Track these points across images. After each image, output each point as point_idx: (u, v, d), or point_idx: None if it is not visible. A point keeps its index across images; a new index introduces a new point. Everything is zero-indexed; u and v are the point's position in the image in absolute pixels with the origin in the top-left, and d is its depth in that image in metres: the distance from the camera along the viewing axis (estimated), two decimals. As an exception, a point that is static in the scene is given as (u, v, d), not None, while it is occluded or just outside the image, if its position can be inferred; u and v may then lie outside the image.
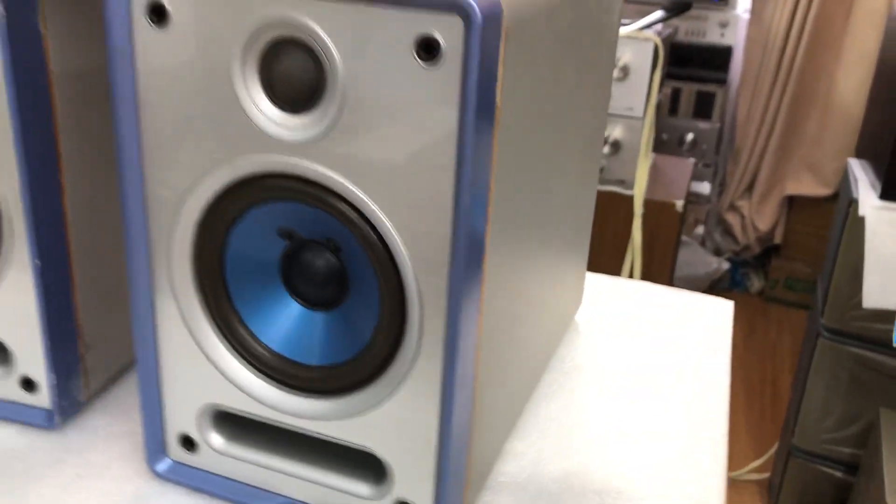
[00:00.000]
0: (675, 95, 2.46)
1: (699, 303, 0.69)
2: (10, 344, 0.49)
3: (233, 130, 0.38)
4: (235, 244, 0.41)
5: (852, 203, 1.53)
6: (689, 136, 2.46)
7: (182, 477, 0.46)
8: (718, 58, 2.53)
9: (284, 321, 0.42)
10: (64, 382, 0.49)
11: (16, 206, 0.45)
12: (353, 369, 0.41)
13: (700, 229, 2.73)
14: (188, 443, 0.46)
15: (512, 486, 0.47)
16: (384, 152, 0.36)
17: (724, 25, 2.56)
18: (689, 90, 2.46)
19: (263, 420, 0.43)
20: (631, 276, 1.72)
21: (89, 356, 0.51)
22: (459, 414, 0.39)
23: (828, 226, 2.38)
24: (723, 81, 2.55)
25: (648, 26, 1.95)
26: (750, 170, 2.58)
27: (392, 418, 0.40)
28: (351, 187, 0.37)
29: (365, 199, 0.37)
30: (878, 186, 1.50)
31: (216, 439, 0.45)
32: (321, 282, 0.41)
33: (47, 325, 0.47)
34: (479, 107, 0.34)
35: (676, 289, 0.71)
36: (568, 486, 0.47)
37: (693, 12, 2.43)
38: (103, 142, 0.49)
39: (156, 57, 0.38)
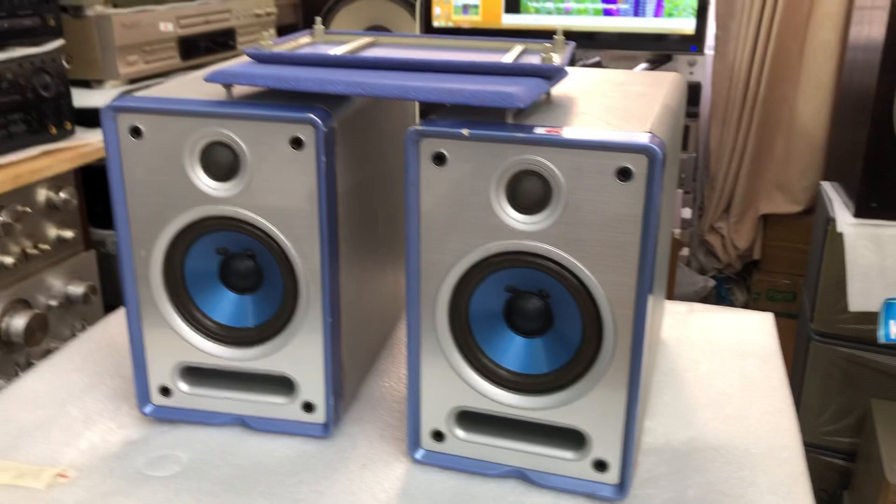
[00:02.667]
0: (657, 133, 2.70)
1: (744, 317, 0.92)
2: (298, 378, 0.70)
3: (487, 226, 0.60)
4: (476, 299, 0.63)
5: (829, 221, 1.78)
6: (672, 168, 2.70)
7: (433, 460, 0.68)
8: (690, 94, 2.80)
9: (511, 347, 0.64)
10: (334, 402, 0.70)
11: (314, 281, 0.66)
12: (564, 373, 0.63)
13: (685, 251, 2.96)
14: (438, 436, 0.67)
15: (653, 450, 0.69)
16: (590, 234, 0.58)
17: (692, 64, 2.81)
18: (669, 127, 2.70)
19: (500, 415, 0.65)
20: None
21: (345, 382, 0.72)
22: (637, 397, 0.61)
23: (801, 240, 2.61)
24: (695, 115, 2.80)
25: (637, 77, 2.20)
26: (726, 193, 2.79)
27: (592, 404, 0.62)
28: (567, 256, 0.59)
29: (577, 262, 0.59)
30: (852, 206, 1.74)
31: (459, 432, 0.67)
32: (534, 318, 0.63)
33: (329, 363, 0.69)
34: (654, 205, 0.56)
35: (724, 307, 0.94)
36: (691, 447, 0.70)
37: (667, 55, 2.67)
38: (361, 233, 0.72)
39: (435, 184, 0.60)
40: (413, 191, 0.61)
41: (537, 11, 2.14)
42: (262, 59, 0.67)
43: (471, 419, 0.67)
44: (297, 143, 0.63)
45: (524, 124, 0.59)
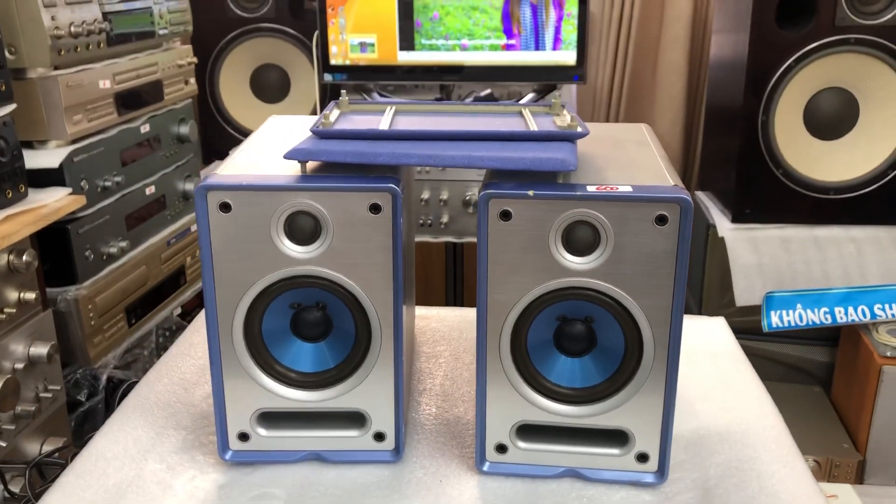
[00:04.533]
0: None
1: (700, 322, 1.08)
2: (369, 412, 0.79)
3: (545, 268, 0.72)
4: (533, 328, 0.75)
5: (710, 227, 2.01)
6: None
7: (498, 470, 0.79)
8: (559, 114, 3.02)
9: (563, 366, 0.77)
10: (401, 430, 0.80)
11: (386, 325, 0.76)
12: (609, 385, 0.76)
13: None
14: (501, 448, 0.78)
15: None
16: (633, 269, 0.72)
17: (558, 88, 3.05)
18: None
19: (557, 424, 0.77)
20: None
21: (408, 407, 0.82)
22: (674, 398, 0.75)
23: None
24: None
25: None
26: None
27: (635, 407, 0.75)
28: (614, 288, 0.72)
29: (622, 292, 0.72)
30: (728, 213, 1.98)
31: (520, 443, 0.78)
32: (581, 340, 0.76)
33: (400, 396, 0.78)
34: (686, 243, 0.70)
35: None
36: (699, 435, 0.84)
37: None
38: (408, 281, 0.82)
39: (501, 236, 0.72)
40: (483, 242, 0.72)
41: (432, 48, 2.28)
42: (325, 135, 0.77)
43: (527, 431, 0.79)
44: (375, 208, 0.73)
45: (574, 183, 0.71)
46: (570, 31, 2.20)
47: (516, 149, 0.73)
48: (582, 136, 0.77)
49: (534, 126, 0.80)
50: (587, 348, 0.77)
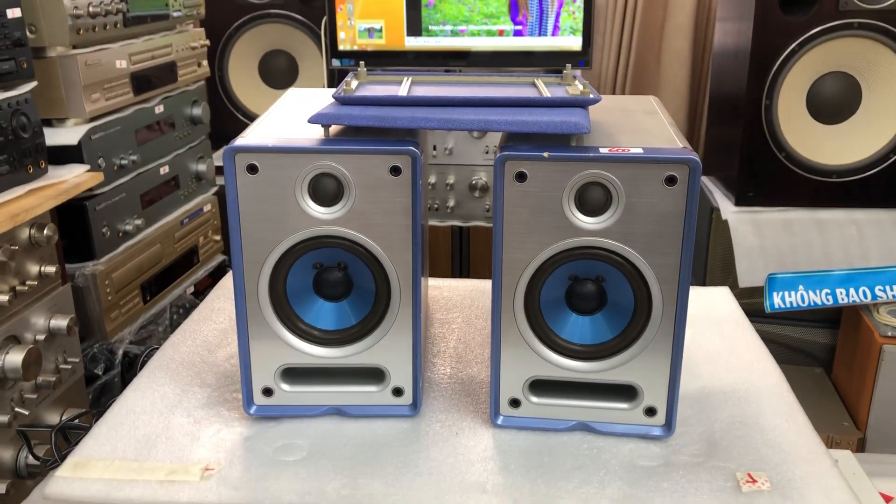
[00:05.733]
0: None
1: (706, 291, 1.11)
2: (388, 368, 0.83)
3: (559, 228, 0.75)
4: (545, 287, 0.78)
5: (714, 210, 2.04)
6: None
7: (511, 423, 0.82)
8: (563, 102, 3.05)
9: (574, 324, 0.80)
10: (418, 386, 0.83)
11: (406, 283, 0.79)
12: (619, 342, 0.79)
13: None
14: (515, 403, 0.82)
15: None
16: (643, 228, 0.75)
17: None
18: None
19: (568, 380, 0.80)
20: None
21: (424, 367, 0.85)
22: (681, 354, 0.78)
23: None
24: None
25: (532, 91, 2.40)
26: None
27: (643, 363, 0.79)
28: (625, 247, 0.75)
29: (632, 251, 0.75)
30: (732, 196, 2.01)
31: (533, 398, 0.82)
32: (592, 299, 0.79)
33: (418, 353, 0.82)
34: (694, 203, 0.73)
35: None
36: (704, 394, 0.88)
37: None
38: (424, 246, 0.85)
39: (517, 197, 0.75)
40: (499, 203, 0.75)
41: (439, 34, 2.30)
42: (347, 101, 0.80)
43: (540, 386, 0.82)
44: (395, 170, 0.76)
45: (587, 146, 0.75)
46: (574, 17, 2.23)
47: (531, 113, 0.76)
48: (594, 101, 0.80)
49: (547, 94, 0.83)
50: (598, 307, 0.80)
